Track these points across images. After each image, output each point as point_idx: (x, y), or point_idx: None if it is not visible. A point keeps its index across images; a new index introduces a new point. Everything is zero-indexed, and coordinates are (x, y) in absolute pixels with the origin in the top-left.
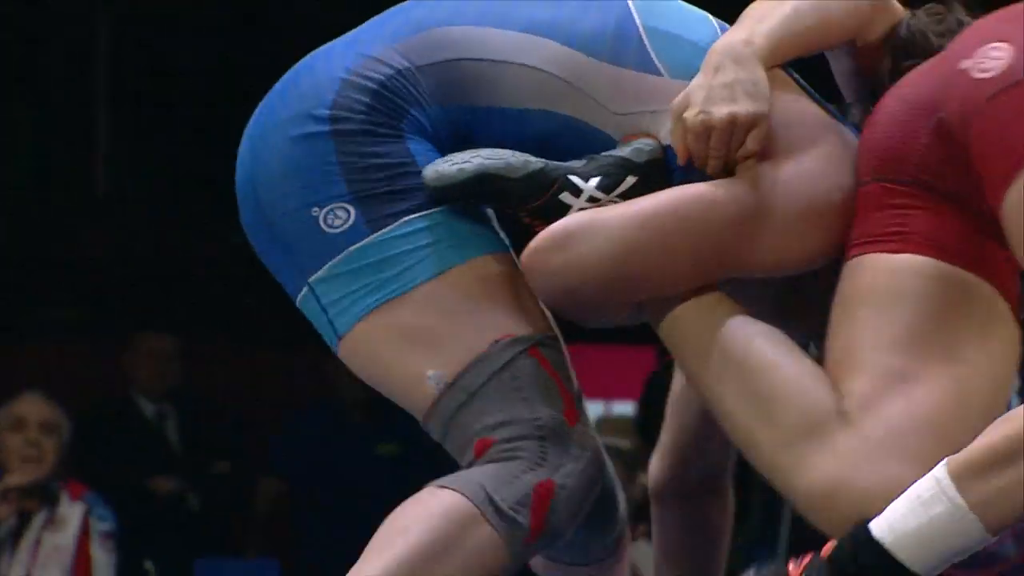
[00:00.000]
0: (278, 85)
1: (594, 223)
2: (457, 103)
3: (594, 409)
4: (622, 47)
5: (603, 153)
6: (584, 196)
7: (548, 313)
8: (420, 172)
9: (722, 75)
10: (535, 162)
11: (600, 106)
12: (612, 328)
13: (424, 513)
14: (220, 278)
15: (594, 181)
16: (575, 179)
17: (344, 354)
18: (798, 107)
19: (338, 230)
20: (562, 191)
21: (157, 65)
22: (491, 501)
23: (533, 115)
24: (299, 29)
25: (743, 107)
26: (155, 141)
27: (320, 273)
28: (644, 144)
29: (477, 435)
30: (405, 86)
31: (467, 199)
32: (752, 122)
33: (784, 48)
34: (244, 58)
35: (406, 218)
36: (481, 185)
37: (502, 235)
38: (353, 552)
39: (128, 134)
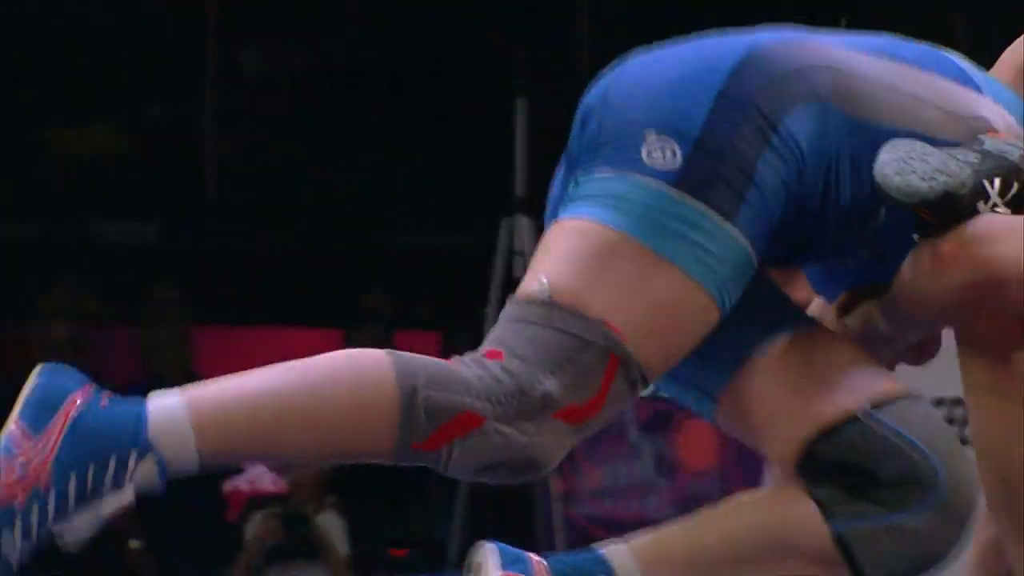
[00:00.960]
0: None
1: (1015, 226)
2: (842, 113)
3: None
4: (963, 75)
5: (990, 148)
6: (990, 203)
7: (664, 369)
8: (751, 181)
9: None
10: (968, 170)
11: (948, 115)
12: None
13: (352, 364)
14: None
15: (996, 185)
16: (986, 185)
17: (560, 220)
18: None
19: (654, 165)
20: (978, 198)
21: None
22: (413, 395)
23: (892, 131)
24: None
25: None
26: None
27: (604, 173)
28: (1019, 148)
29: (501, 346)
30: (802, 78)
31: (922, 209)
32: None
33: None
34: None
35: (711, 210)
36: (943, 202)
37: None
38: None
39: None
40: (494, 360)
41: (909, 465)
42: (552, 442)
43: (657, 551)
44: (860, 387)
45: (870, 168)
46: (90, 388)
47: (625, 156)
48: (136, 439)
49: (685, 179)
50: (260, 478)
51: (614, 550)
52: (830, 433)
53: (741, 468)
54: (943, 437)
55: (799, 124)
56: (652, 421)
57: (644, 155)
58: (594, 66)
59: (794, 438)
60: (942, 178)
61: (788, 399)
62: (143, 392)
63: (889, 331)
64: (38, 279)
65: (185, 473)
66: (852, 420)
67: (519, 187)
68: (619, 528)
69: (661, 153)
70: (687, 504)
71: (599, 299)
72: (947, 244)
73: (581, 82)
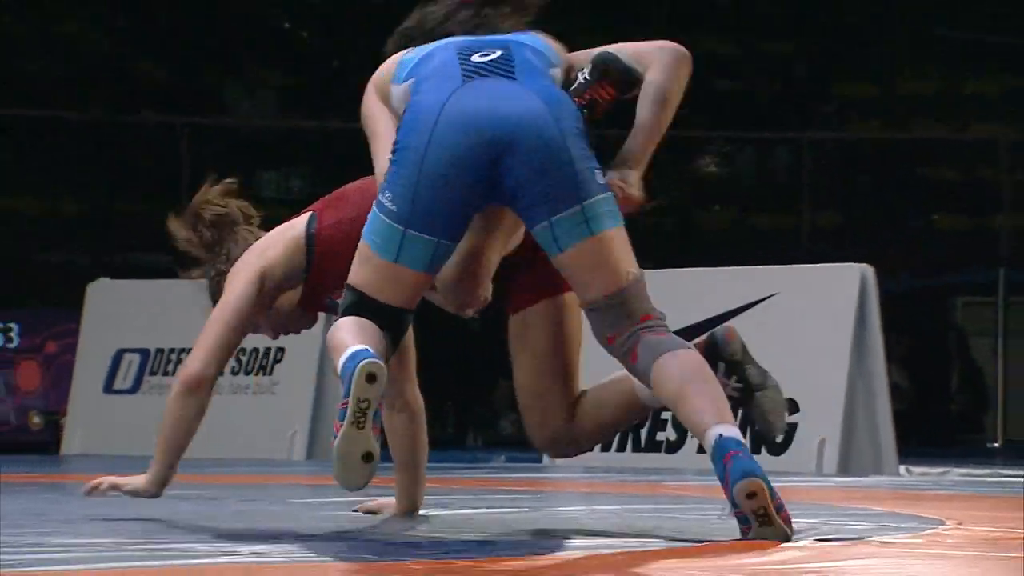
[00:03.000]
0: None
1: None
2: None
3: None
4: None
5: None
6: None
7: None
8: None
9: None
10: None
11: None
12: None
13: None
14: None
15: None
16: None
17: (594, 243)
18: None
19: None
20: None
21: None
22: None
23: None
24: None
25: None
26: None
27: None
28: None
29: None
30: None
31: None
32: None
33: None
34: None
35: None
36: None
37: None
38: None
39: None
40: (651, 318)
41: None
42: None
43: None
44: None
45: None
46: None
47: (596, 183)
48: None
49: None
50: None
51: None
52: None
53: (55, 392)
54: None
55: None
56: (1, 361)
57: (600, 179)
58: None
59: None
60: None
61: None
62: None
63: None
64: None
65: None
66: None
67: None
68: None
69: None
70: (23, 411)
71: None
72: None
73: None
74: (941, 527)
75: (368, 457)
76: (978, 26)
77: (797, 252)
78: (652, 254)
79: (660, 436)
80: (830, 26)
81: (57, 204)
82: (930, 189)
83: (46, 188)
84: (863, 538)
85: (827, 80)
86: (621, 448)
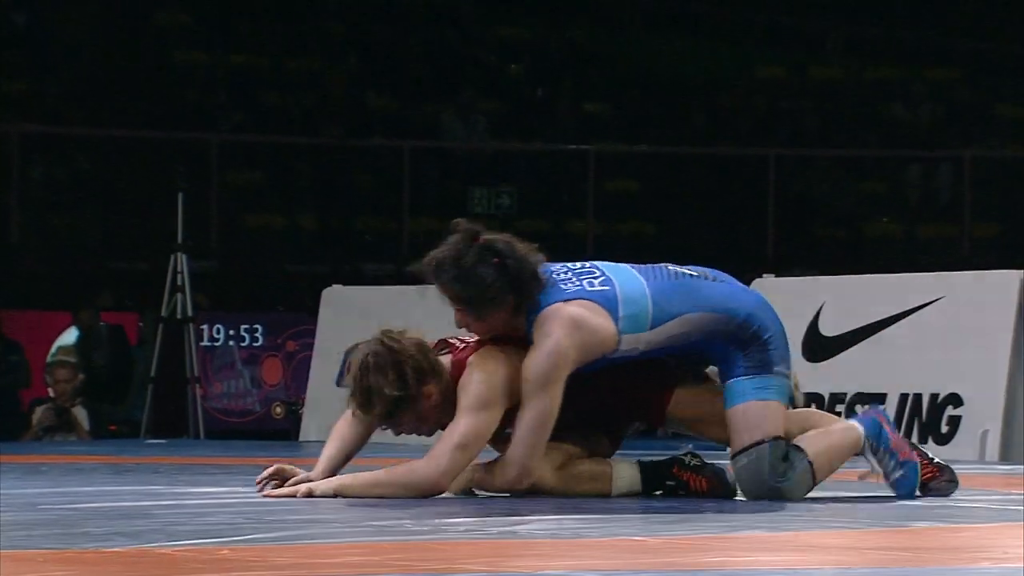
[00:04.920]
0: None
1: None
2: None
3: None
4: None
5: None
6: None
7: None
8: None
9: None
10: None
11: None
12: None
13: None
14: None
15: None
16: None
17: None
18: None
19: None
20: None
21: None
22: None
23: None
24: None
25: None
26: None
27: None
28: None
29: None
30: None
31: None
32: None
33: None
34: None
35: None
36: None
37: None
38: None
39: None
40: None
41: None
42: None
43: None
44: None
45: None
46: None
47: None
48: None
49: None
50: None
51: None
52: None
53: (295, 384)
54: None
55: None
56: (249, 358)
57: None
58: None
59: None
60: None
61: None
62: None
63: None
64: None
65: None
66: None
67: None
68: (231, 413)
69: None
70: (267, 402)
71: None
72: None
73: None
74: None
75: None
76: None
77: (958, 260)
78: (827, 262)
79: None
80: (991, 53)
81: (297, 220)
82: None
83: (288, 206)
84: None
85: (987, 103)
86: None
